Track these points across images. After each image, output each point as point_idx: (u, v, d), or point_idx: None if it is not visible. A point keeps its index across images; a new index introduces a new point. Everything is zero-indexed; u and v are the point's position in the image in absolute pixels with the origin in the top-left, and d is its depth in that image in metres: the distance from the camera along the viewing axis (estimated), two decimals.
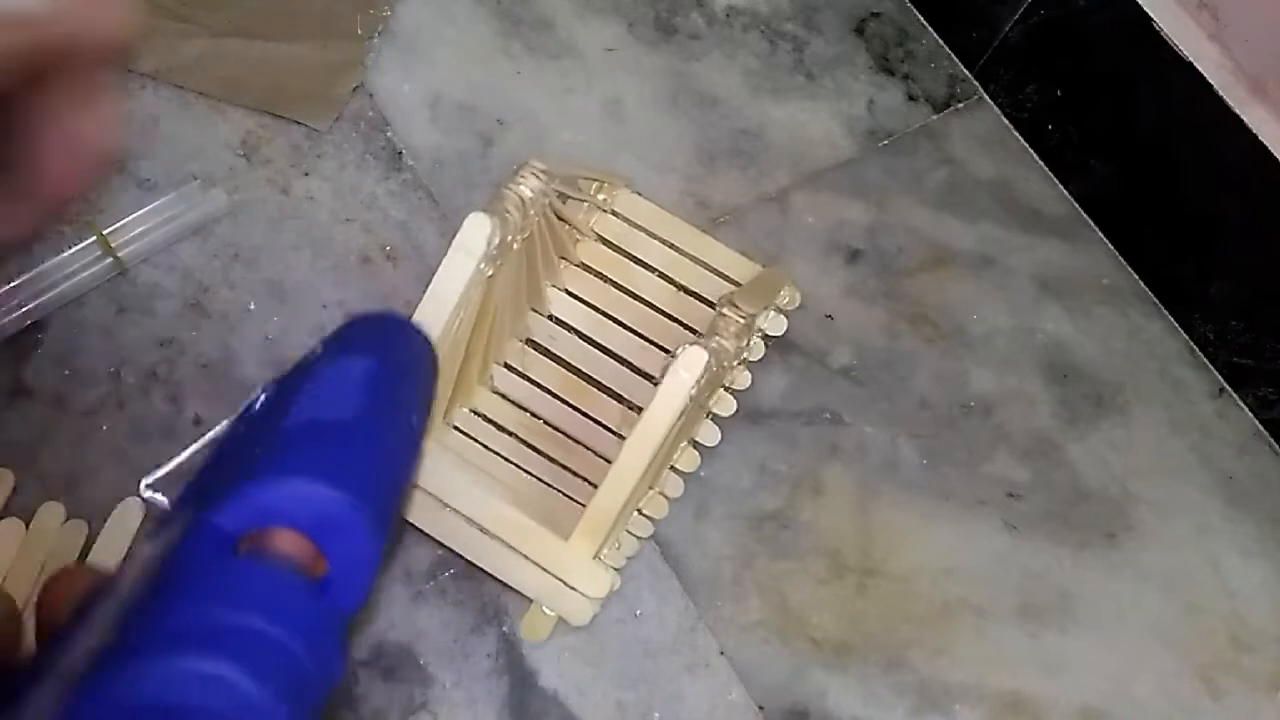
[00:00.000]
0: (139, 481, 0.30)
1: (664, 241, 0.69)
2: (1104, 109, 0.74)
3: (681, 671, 0.62)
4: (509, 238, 0.56)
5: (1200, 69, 0.66)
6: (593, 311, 0.68)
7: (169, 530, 0.21)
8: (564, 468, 0.64)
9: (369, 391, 0.22)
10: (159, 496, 0.28)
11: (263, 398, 0.24)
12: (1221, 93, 0.66)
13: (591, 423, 0.66)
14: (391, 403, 0.22)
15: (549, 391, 0.66)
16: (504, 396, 0.66)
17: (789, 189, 0.76)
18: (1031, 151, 0.79)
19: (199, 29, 0.75)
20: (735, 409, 0.66)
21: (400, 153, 0.74)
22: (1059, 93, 0.76)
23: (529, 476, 0.64)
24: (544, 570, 0.57)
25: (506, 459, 0.64)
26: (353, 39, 0.76)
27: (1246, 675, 0.65)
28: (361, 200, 0.72)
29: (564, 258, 0.68)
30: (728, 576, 0.65)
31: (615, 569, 0.60)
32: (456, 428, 0.65)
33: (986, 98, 0.80)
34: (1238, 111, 0.65)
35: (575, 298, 0.68)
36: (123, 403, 0.65)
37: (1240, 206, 0.69)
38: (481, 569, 0.59)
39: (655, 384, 0.55)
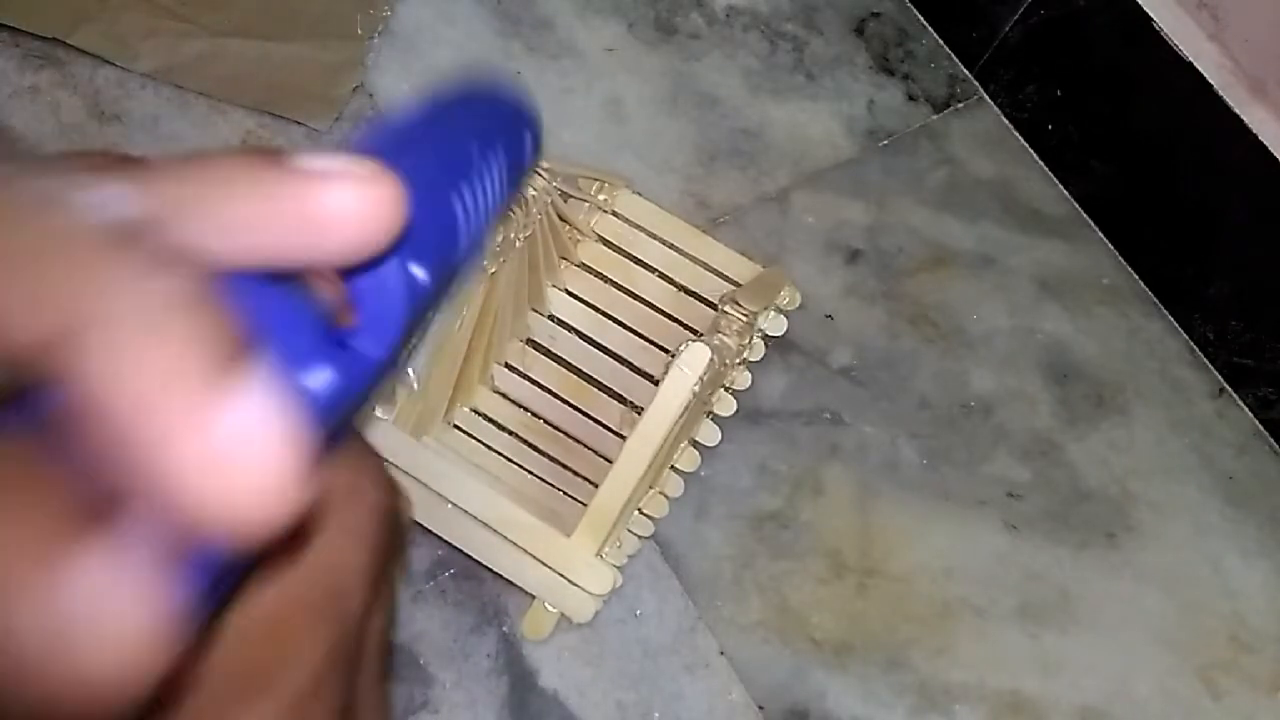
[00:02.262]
0: None
1: (664, 242, 0.69)
2: (1104, 109, 0.74)
3: (681, 671, 0.62)
4: (511, 235, 0.56)
5: (1200, 69, 0.66)
6: (593, 311, 0.68)
7: None
8: (565, 467, 0.64)
9: (432, 131, 0.18)
10: None
11: None
12: (1221, 93, 0.66)
13: (592, 422, 0.66)
14: (462, 153, 0.18)
15: (550, 391, 0.66)
16: (505, 396, 0.66)
17: (789, 189, 0.76)
18: (1031, 151, 0.79)
19: (199, 29, 0.75)
20: (735, 409, 0.66)
21: None
22: (1059, 93, 0.76)
23: (530, 475, 0.64)
24: (547, 567, 0.57)
25: (508, 458, 0.64)
26: (353, 39, 0.76)
27: (1246, 675, 0.65)
28: None
29: (564, 258, 0.68)
30: (728, 576, 0.65)
31: (617, 567, 0.60)
32: (458, 427, 0.65)
33: (986, 98, 0.80)
34: (1238, 111, 0.65)
35: (576, 298, 0.68)
36: None
37: (1240, 206, 0.69)
38: (483, 567, 0.59)
39: (655, 384, 0.55)
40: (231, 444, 0.11)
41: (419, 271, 0.16)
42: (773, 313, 0.68)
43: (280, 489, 0.11)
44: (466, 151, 0.18)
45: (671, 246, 0.69)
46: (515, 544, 0.57)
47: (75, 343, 0.11)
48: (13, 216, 0.11)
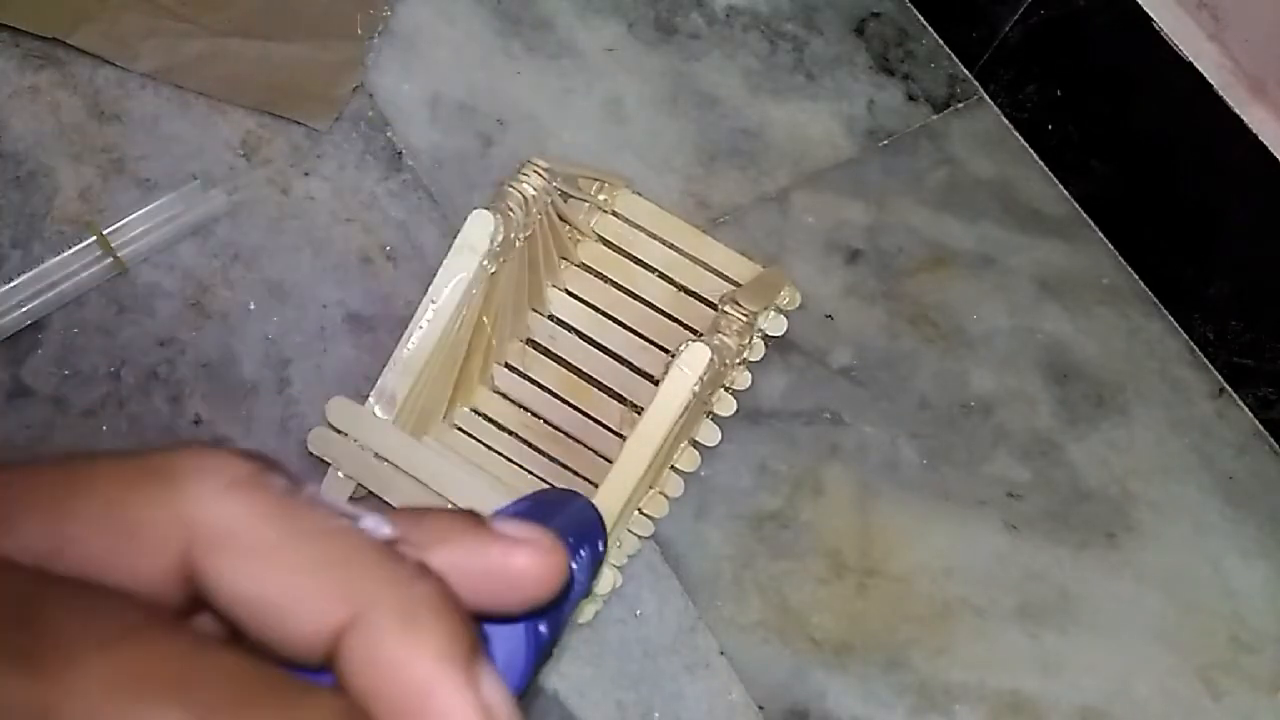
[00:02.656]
0: None
1: (664, 242, 0.69)
2: (1104, 109, 0.74)
3: (681, 671, 0.62)
4: (512, 235, 0.56)
5: (1200, 69, 0.66)
6: (593, 311, 0.68)
7: None
8: (565, 467, 0.64)
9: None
10: None
11: None
12: (1221, 93, 0.66)
13: (592, 422, 0.66)
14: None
15: (550, 391, 0.66)
16: (505, 396, 0.66)
17: (789, 189, 0.76)
18: (1031, 151, 0.79)
19: (199, 29, 0.75)
20: (735, 409, 0.66)
21: (400, 153, 0.74)
22: (1059, 92, 0.76)
23: (530, 475, 0.64)
24: None
25: (508, 458, 0.64)
26: (353, 39, 0.76)
27: (1246, 675, 0.65)
28: (361, 200, 0.72)
29: (565, 258, 0.68)
30: (728, 576, 0.65)
31: (617, 567, 0.60)
32: (458, 427, 0.65)
33: (986, 98, 0.80)
34: (1238, 111, 0.65)
35: (576, 298, 0.68)
36: (123, 403, 0.65)
37: (1240, 206, 0.69)
38: None
39: (655, 384, 0.55)
40: (489, 705, 0.14)
41: (543, 628, 0.19)
42: (773, 313, 0.68)
43: None
44: (578, 531, 0.23)
45: (671, 246, 0.69)
46: None
47: (363, 625, 0.14)
48: (314, 530, 0.14)
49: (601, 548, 0.23)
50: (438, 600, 0.14)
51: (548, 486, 0.64)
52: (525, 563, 0.16)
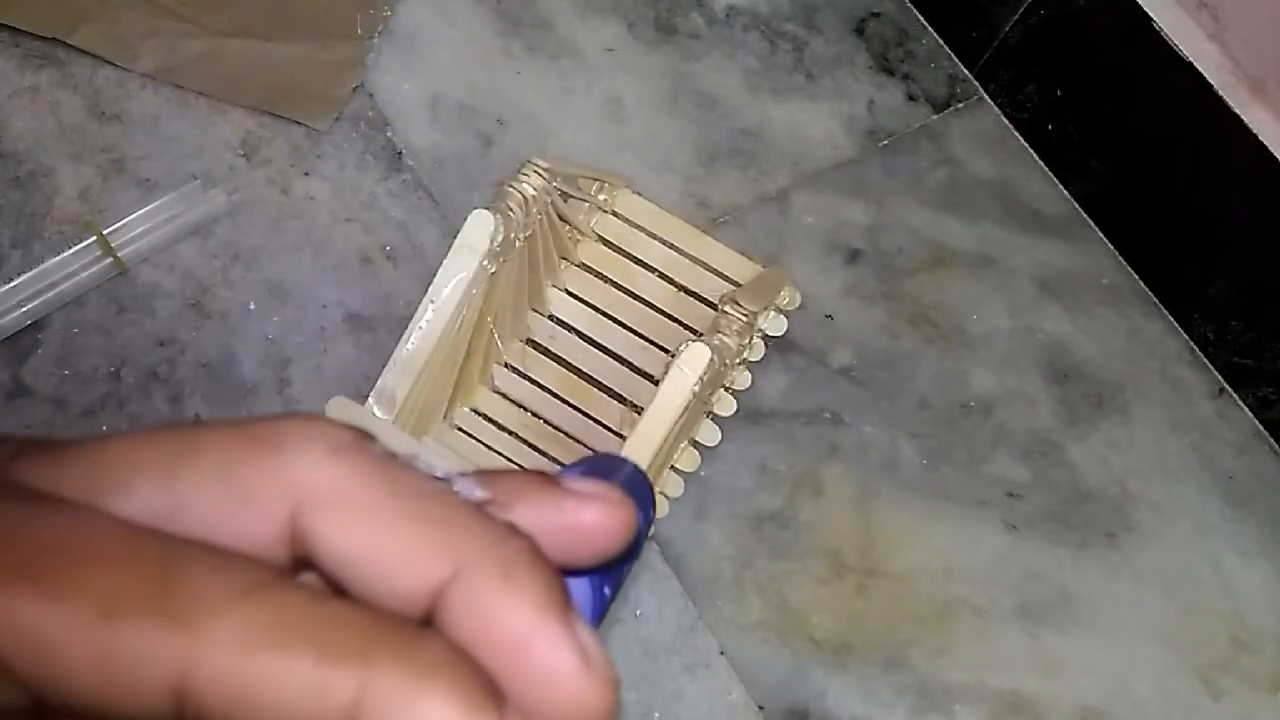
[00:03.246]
0: None
1: (664, 242, 0.69)
2: (1104, 109, 0.74)
3: (681, 671, 0.62)
4: (512, 235, 0.56)
5: (1200, 69, 0.66)
6: (593, 311, 0.68)
7: None
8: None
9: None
10: None
11: None
12: (1221, 93, 0.66)
13: (592, 422, 0.66)
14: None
15: (550, 391, 0.66)
16: (505, 396, 0.66)
17: (789, 189, 0.76)
18: (1031, 151, 0.79)
19: (199, 29, 0.75)
20: (735, 409, 0.66)
21: (400, 153, 0.74)
22: (1059, 93, 0.76)
23: None
24: None
25: (508, 458, 0.64)
26: (353, 39, 0.76)
27: (1246, 675, 0.65)
28: (361, 200, 0.72)
29: (564, 258, 0.68)
30: (728, 576, 0.65)
31: None
32: (458, 427, 0.65)
33: (986, 98, 0.80)
34: (1238, 111, 0.65)
35: (575, 298, 0.68)
36: (123, 403, 0.65)
37: (1240, 206, 0.69)
38: None
39: (655, 384, 0.55)
40: (588, 650, 0.15)
41: (606, 588, 0.20)
42: (773, 313, 0.68)
43: (614, 696, 0.15)
44: (633, 493, 0.23)
45: (671, 246, 0.69)
46: None
47: (465, 579, 0.14)
48: (414, 491, 0.15)
49: (652, 512, 0.24)
50: (531, 555, 0.15)
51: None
52: (596, 517, 0.17)
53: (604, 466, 0.23)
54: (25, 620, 0.13)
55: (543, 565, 0.15)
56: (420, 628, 0.14)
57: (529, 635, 0.14)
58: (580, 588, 0.19)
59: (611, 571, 0.20)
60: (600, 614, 0.20)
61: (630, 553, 0.21)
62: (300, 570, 0.15)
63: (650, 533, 0.25)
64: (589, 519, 0.17)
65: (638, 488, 0.23)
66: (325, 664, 0.13)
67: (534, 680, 0.14)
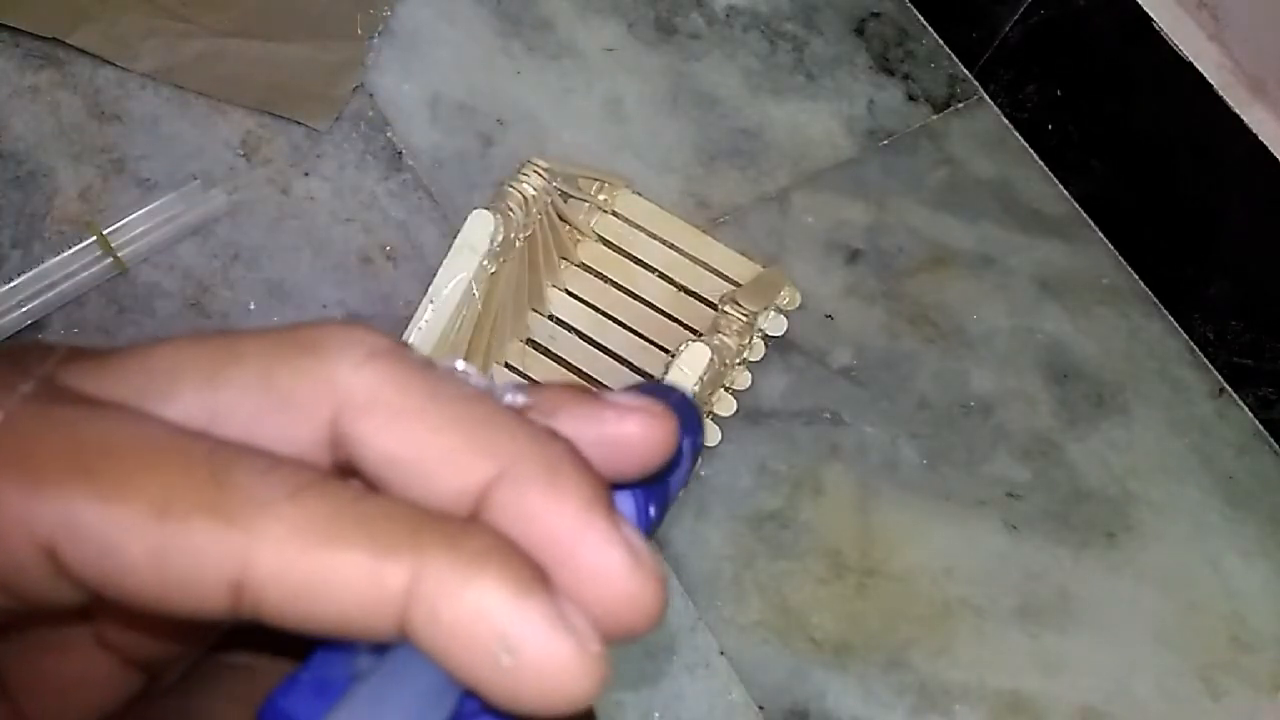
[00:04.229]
0: None
1: (664, 241, 0.69)
2: (1104, 109, 0.74)
3: (681, 671, 0.62)
4: (512, 235, 0.56)
5: (1200, 69, 0.66)
6: (593, 312, 0.68)
7: None
8: None
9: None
10: None
11: None
12: (1221, 93, 0.66)
13: None
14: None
15: None
16: None
17: (789, 189, 0.76)
18: (1031, 151, 0.79)
19: (199, 29, 0.75)
20: (735, 409, 0.66)
21: (400, 153, 0.74)
22: (1059, 93, 0.76)
23: None
24: None
25: None
26: (353, 39, 0.76)
27: (1246, 675, 0.65)
28: (361, 200, 0.72)
29: (564, 258, 0.68)
30: (728, 576, 0.65)
31: None
32: None
33: (986, 98, 0.80)
34: (1238, 111, 0.65)
35: (575, 298, 0.68)
36: None
37: (1240, 206, 0.69)
38: None
39: None
40: (636, 549, 0.15)
41: (652, 509, 0.20)
42: (773, 313, 0.68)
43: (663, 593, 0.15)
44: (682, 414, 0.23)
45: (671, 246, 0.69)
46: None
47: (510, 479, 0.14)
48: (455, 394, 0.15)
49: (700, 439, 0.24)
50: (575, 457, 0.15)
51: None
52: (638, 427, 0.17)
53: (650, 390, 0.23)
54: (83, 520, 0.13)
55: (587, 467, 0.15)
56: (465, 519, 0.14)
57: (577, 532, 0.14)
58: (624, 501, 0.19)
59: (656, 490, 0.19)
60: (648, 533, 0.20)
61: (677, 471, 0.20)
62: (344, 476, 0.15)
63: (699, 463, 0.25)
64: (630, 429, 0.17)
65: (684, 410, 0.23)
66: (378, 555, 0.13)
67: (584, 577, 0.14)
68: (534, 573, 0.14)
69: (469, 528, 0.14)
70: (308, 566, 0.13)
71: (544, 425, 0.16)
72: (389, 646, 0.15)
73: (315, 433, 0.15)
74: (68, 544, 0.13)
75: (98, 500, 0.13)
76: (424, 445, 0.15)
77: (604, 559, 0.14)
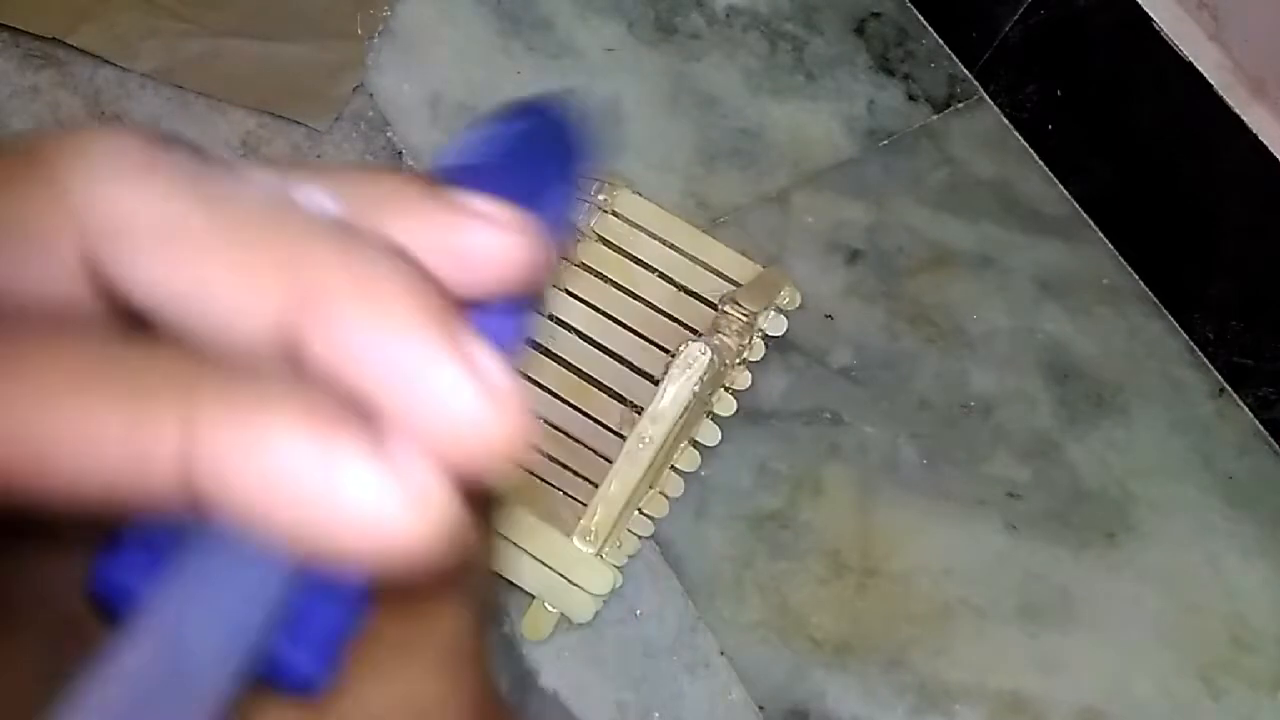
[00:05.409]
0: None
1: (664, 242, 0.69)
2: (1104, 109, 0.74)
3: (681, 671, 0.62)
4: None
5: (1200, 69, 0.66)
6: (593, 311, 0.68)
7: None
8: (565, 467, 0.64)
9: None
10: None
11: None
12: (1221, 93, 0.66)
13: (592, 422, 0.66)
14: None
15: (550, 391, 0.66)
16: None
17: (789, 189, 0.76)
18: (1031, 151, 0.79)
19: (199, 29, 0.75)
20: (735, 409, 0.66)
21: (400, 153, 0.74)
22: (1059, 93, 0.76)
23: (530, 476, 0.64)
24: (547, 567, 0.57)
25: None
26: (353, 39, 0.76)
27: (1246, 675, 0.65)
28: None
29: (564, 258, 0.68)
30: (728, 576, 0.65)
31: (617, 567, 0.60)
32: None
33: (986, 98, 0.80)
34: (1238, 111, 0.65)
35: (576, 298, 0.68)
36: None
37: (1240, 206, 0.69)
38: None
39: (655, 384, 0.55)
40: (481, 370, 0.12)
41: (516, 327, 0.16)
42: (773, 313, 0.68)
43: (523, 412, 0.12)
44: (546, 167, 0.19)
45: (671, 246, 0.69)
46: (515, 544, 0.57)
47: (317, 307, 0.12)
48: (235, 206, 0.12)
49: (588, 165, 0.20)
50: (398, 269, 0.13)
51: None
52: (489, 238, 0.14)
53: (523, 113, 0.19)
54: None
55: (415, 278, 0.13)
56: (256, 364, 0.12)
57: (404, 356, 0.12)
58: (480, 321, 0.15)
59: (520, 304, 0.16)
60: (510, 352, 0.16)
61: (552, 205, 0.17)
62: (130, 324, 0.13)
63: (581, 197, 0.21)
64: (478, 240, 0.14)
65: (552, 152, 0.19)
66: (135, 407, 0.11)
67: (415, 408, 0.12)
68: (340, 410, 0.12)
69: (253, 370, 0.12)
70: (55, 427, 0.11)
71: (366, 233, 0.13)
72: None
73: (63, 269, 0.12)
74: None
75: None
76: (199, 274, 0.12)
77: (440, 384, 0.12)
